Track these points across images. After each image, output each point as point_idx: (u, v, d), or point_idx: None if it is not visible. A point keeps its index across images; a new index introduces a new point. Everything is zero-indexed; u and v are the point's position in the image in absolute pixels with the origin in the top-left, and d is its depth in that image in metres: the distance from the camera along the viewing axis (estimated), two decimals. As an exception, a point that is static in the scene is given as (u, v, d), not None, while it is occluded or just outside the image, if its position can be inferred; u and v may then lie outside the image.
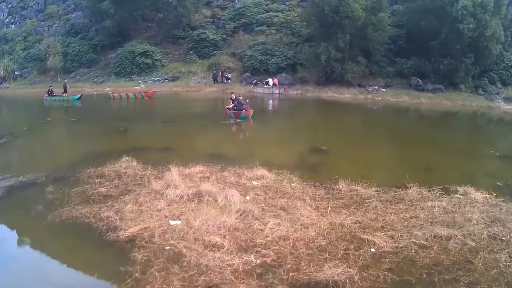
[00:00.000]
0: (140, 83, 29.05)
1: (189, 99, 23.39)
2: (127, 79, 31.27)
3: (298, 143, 11.39)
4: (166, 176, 7.30)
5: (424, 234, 5.50)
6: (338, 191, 7.02)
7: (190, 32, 32.51)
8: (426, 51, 24.71)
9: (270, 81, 25.99)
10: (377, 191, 7.14)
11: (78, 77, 34.07)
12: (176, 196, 6.62)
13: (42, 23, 41.48)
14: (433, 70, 24.93)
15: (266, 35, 30.35)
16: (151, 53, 31.63)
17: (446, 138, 13.22)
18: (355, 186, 7.25)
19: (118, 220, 5.89)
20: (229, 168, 8.19)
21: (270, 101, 23.03)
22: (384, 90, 24.98)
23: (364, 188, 7.19)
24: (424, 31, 24.18)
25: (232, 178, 7.50)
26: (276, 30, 30.36)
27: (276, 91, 25.49)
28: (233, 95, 16.18)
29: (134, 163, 8.66)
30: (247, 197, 6.57)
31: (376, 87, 25.05)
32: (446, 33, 23.30)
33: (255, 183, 7.32)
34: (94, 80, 32.48)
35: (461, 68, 23.91)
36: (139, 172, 8.12)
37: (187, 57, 31.24)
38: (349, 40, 24.08)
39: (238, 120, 14.52)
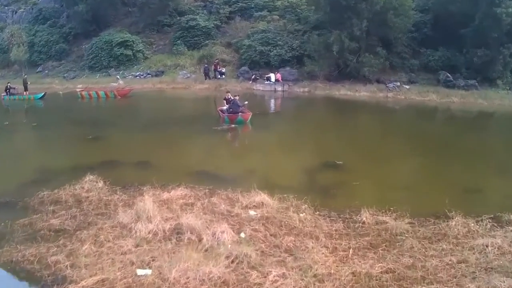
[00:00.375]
0: (118, 78, 28.76)
1: (175, 98, 22.96)
2: (103, 74, 31.02)
3: (307, 156, 10.69)
4: (138, 204, 6.52)
5: (478, 287, 4.72)
6: (361, 224, 6.26)
7: (178, 18, 32.22)
8: (457, 40, 24.19)
9: (272, 76, 25.57)
10: (411, 223, 6.39)
11: (46, 71, 33.70)
12: (148, 233, 5.87)
13: (6, 8, 41.18)
14: (465, 63, 24.42)
15: (267, 22, 30.14)
16: (132, 43, 31.26)
17: (485, 146, 12.64)
18: (383, 216, 6.49)
19: (69, 268, 5.16)
20: (219, 191, 7.46)
21: (272, 101, 22.68)
22: (407, 87, 24.37)
23: (394, 220, 6.43)
24: (454, 16, 23.74)
25: (223, 206, 6.73)
26: (279, 16, 30.12)
27: (279, 88, 25.12)
28: (229, 94, 15.73)
29: (100, 184, 7.97)
30: (242, 235, 5.81)
31: (398, 84, 24.44)
32: (480, 18, 22.70)
33: (252, 213, 6.54)
34: (65, 75, 32.07)
35: (498, 61, 23.32)
36: (105, 197, 7.43)
37: (174, 48, 30.95)
38: (365, 27, 23.59)
39: (233, 125, 14.06)
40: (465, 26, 23.62)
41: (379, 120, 17.22)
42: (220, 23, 31.74)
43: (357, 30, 23.57)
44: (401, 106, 21.05)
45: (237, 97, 14.87)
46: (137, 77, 29.64)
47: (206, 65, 27.62)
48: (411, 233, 6.11)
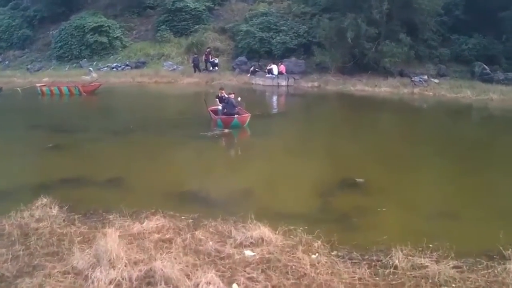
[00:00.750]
0: (90, 71, 28.56)
1: (157, 95, 22.48)
2: (74, 65, 31.05)
3: (319, 172, 9.99)
4: (99, 242, 5.76)
5: None
6: (392, 269, 5.52)
7: (163, -1, 31.83)
8: (495, 25, 23.98)
9: (275, 68, 25.28)
10: (458, 267, 5.67)
11: (7, 62, 33.73)
12: (109, 283, 5.10)
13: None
14: (505, 52, 24.36)
15: (268, 3, 30.20)
16: (108, 28, 31.17)
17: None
18: (420, 258, 5.78)
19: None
20: (206, 222, 6.76)
21: (275, 98, 22.28)
22: (436, 81, 24.06)
23: (436, 262, 5.71)
24: (491, -4, 23.45)
25: (211, 243, 6.02)
26: (283, -4, 29.96)
27: (283, 82, 24.88)
28: (222, 92, 15.16)
29: (54, 211, 7.30)
30: (234, 286, 5.05)
31: (426, 77, 24.05)
32: (524, -1, 22.34)
33: (248, 253, 5.83)
34: (28, 66, 32.09)
35: (546, 50, 22.90)
36: (59, 230, 6.72)
37: (158, 35, 30.89)
38: (386, 9, 23.31)
39: (227, 130, 13.50)
40: (504, 8, 23.34)
41: (406, 123, 16.55)
42: (212, 5, 31.72)
43: (376, 12, 23.27)
44: (430, 104, 20.56)
45: (232, 95, 14.30)
46: (114, 69, 29.59)
47: (195, 55, 27.34)
48: (459, 281, 5.37)
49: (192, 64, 27.20)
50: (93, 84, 23.76)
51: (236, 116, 13.63)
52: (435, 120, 17.43)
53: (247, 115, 13.87)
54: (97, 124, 15.32)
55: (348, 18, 23.29)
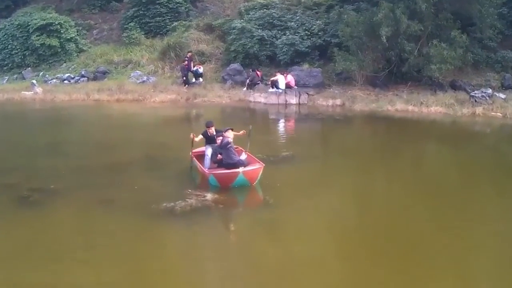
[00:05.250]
0: (34, 84, 25.38)
1: (116, 122, 19.50)
2: (15, 76, 28.50)
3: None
4: None
5: None
6: None
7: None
8: None
9: (281, 80, 22.30)
10: None
11: None
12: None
13: None
14: None
15: None
16: (59, 27, 28.23)
17: None
18: None
19: None
20: None
21: (282, 123, 19.88)
22: (502, 96, 20.64)
23: None
24: None
25: None
26: (289, -17, 28.25)
27: (293, 100, 22.07)
28: (211, 129, 11.78)
29: None
30: None
31: (489, 91, 20.57)
32: None
33: None
34: None
35: None
36: None
37: (125, 35, 28.53)
38: None
39: (223, 187, 10.45)
40: None
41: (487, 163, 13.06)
42: (196, -4, 30.05)
43: (422, 2, 20.41)
44: (493, 129, 18.20)
45: (229, 133, 10.85)
46: (66, 81, 26.64)
47: (184, 64, 24.52)
48: None
49: (181, 74, 24.49)
50: None
51: (241, 169, 10.28)
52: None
53: (259, 166, 10.69)
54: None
55: (383, 9, 20.61)
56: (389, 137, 16.82)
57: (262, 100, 22.13)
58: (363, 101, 20.88)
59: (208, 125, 11.82)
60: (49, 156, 13.85)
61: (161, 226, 8.43)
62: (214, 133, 11.44)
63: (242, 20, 25.42)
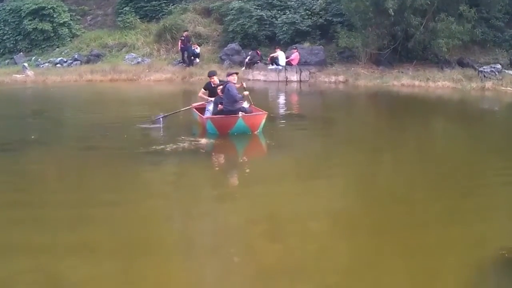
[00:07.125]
0: (25, 67, 24.83)
1: (107, 97, 18.83)
2: (7, 61, 28.09)
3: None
4: None
5: None
6: None
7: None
8: None
9: (281, 56, 21.88)
10: None
11: None
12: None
13: None
14: None
15: None
16: (52, 11, 27.79)
17: None
18: None
19: None
20: None
21: (282, 98, 19.06)
22: (510, 72, 20.35)
23: None
24: None
25: None
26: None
27: (294, 77, 21.57)
28: (214, 79, 11.41)
29: None
30: None
31: (499, 67, 20.26)
32: None
33: None
34: None
35: None
36: None
37: (120, 19, 28.07)
38: None
39: (223, 134, 10.08)
40: None
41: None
42: (193, -23, 29.80)
43: None
44: (501, 106, 17.16)
45: (232, 77, 10.38)
46: (58, 64, 26.09)
47: (184, 43, 23.88)
48: None
49: (181, 56, 23.96)
50: None
51: (241, 114, 9.90)
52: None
53: (261, 113, 10.36)
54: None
55: (389, -18, 20.61)
56: (402, 113, 15.65)
57: (261, 77, 21.72)
58: (366, 77, 20.57)
59: (211, 75, 11.43)
60: (34, 119, 13.39)
61: (145, 163, 7.88)
62: (215, 82, 10.93)
63: (240, 1, 25.05)
